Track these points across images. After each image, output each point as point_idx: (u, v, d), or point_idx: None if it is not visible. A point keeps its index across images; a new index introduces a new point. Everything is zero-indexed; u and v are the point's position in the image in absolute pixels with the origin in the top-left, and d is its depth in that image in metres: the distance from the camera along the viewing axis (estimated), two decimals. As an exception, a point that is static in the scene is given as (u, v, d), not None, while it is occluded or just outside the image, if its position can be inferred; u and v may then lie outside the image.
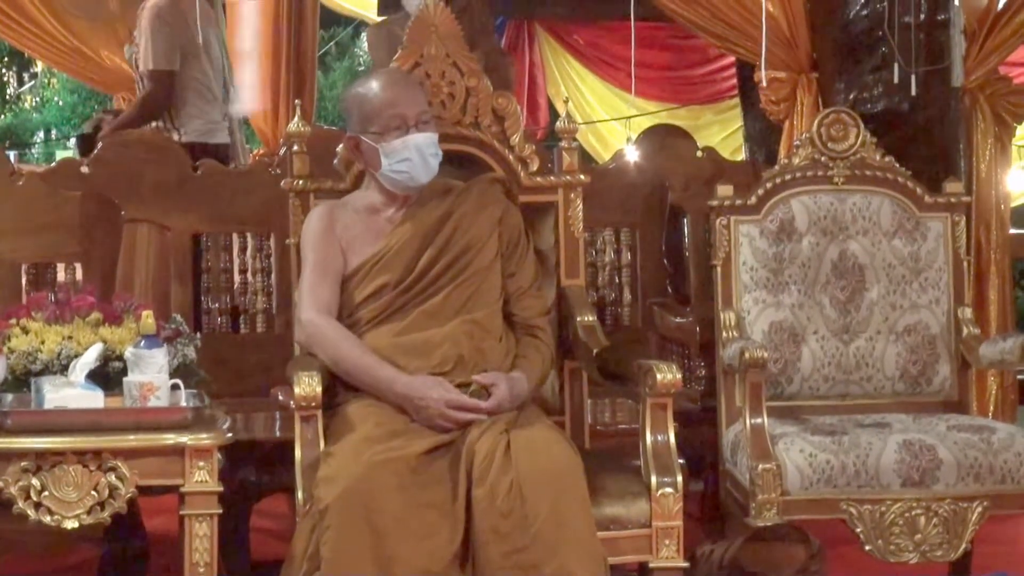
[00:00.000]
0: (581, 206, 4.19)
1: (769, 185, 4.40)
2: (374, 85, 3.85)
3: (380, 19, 7.98)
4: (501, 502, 3.34)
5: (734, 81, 10.06)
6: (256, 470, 4.40)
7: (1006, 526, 4.39)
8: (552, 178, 4.18)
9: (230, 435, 3.41)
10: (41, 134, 17.96)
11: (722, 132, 13.18)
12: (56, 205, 4.62)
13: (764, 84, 6.29)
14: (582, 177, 4.19)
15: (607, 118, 13.89)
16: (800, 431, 4.00)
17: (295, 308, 3.93)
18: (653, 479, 3.57)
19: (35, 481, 3.30)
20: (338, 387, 3.70)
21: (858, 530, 3.91)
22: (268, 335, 5.12)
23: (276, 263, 5.12)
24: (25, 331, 3.64)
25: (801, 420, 4.18)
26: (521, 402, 3.67)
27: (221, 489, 3.39)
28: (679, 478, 3.58)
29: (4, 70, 17.37)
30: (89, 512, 3.33)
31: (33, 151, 17.31)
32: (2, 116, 17.63)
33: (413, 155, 3.78)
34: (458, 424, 3.54)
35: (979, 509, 3.92)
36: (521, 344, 3.83)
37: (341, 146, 4.05)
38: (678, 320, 5.04)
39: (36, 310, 3.70)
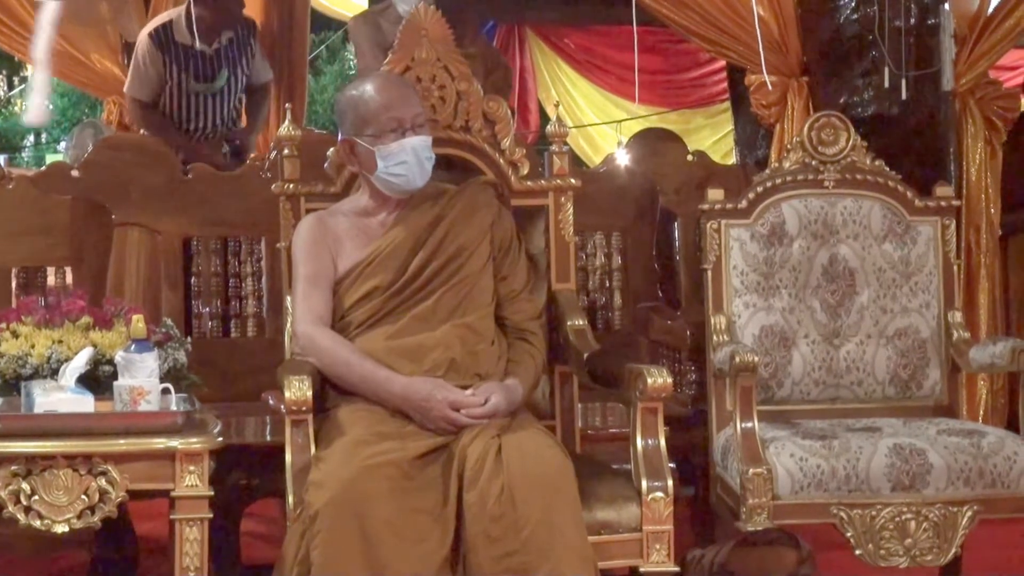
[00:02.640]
0: (572, 210, 4.19)
1: (760, 189, 4.40)
2: (369, 88, 3.85)
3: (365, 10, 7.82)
4: (492, 506, 3.34)
5: (725, 85, 10.06)
6: (247, 474, 4.41)
7: (996, 530, 4.38)
8: (543, 182, 4.19)
9: (220, 439, 3.41)
10: (31, 138, 17.93)
11: (713, 136, 13.19)
12: (46, 209, 4.62)
13: (769, 87, 6.29)
14: (573, 181, 4.19)
15: (598, 122, 13.90)
16: (791, 435, 4.00)
17: (286, 316, 3.93)
18: (644, 483, 3.57)
19: (25, 485, 3.30)
20: (329, 391, 3.70)
21: (848, 534, 3.91)
22: (259, 339, 5.11)
23: (267, 267, 5.11)
24: (15, 335, 3.63)
25: (792, 424, 4.18)
26: (515, 408, 3.67)
27: (211, 493, 3.39)
28: (670, 482, 3.57)
29: (-6, 74, 17.34)
30: (79, 516, 3.33)
31: (23, 155, 17.28)
32: (-8, 120, 17.61)
33: (410, 158, 3.78)
34: (460, 426, 3.54)
35: (969, 513, 3.92)
36: (513, 349, 3.82)
37: (332, 150, 4.05)
38: (669, 324, 5.04)
39: (26, 314, 3.70)
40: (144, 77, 6.64)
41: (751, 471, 3.87)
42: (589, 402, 4.62)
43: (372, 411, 3.59)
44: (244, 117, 7.04)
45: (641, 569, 3.58)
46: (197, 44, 6.53)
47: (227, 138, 6.73)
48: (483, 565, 3.32)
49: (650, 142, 6.39)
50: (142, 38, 6.67)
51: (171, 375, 3.63)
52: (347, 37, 14.47)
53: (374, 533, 3.29)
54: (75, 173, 5.35)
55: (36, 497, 3.30)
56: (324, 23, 13.67)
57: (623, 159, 6.59)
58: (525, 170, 4.17)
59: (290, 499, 3.47)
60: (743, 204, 4.38)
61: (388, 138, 3.78)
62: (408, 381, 3.61)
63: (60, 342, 3.60)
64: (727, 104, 9.52)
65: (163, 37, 6.58)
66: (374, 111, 3.80)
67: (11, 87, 17.45)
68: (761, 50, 6.02)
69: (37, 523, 3.32)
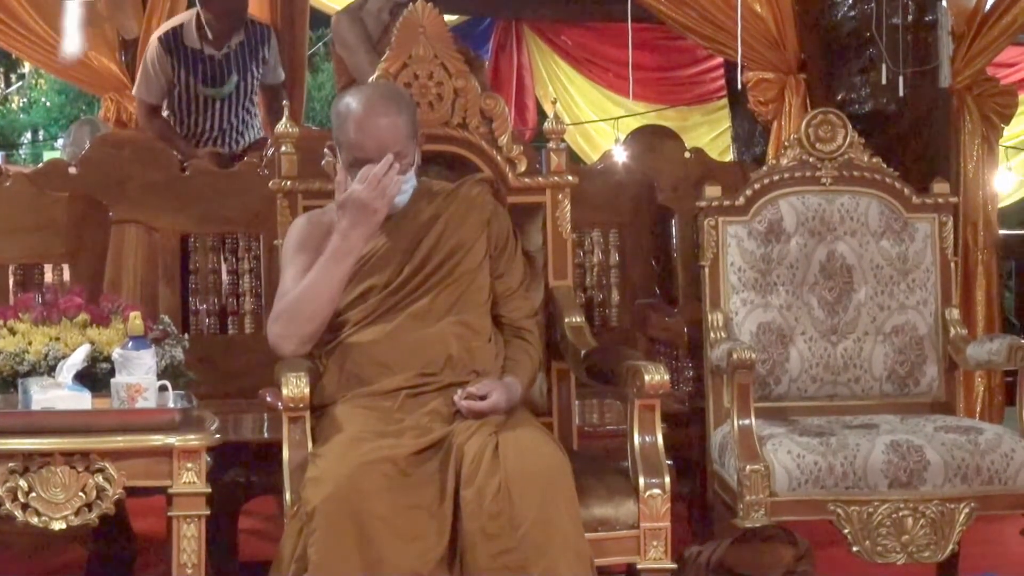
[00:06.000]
0: (569, 207, 4.19)
1: (757, 186, 4.40)
2: (355, 109, 3.72)
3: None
4: (489, 503, 3.33)
5: (722, 82, 10.08)
6: (244, 471, 4.40)
7: (993, 527, 4.39)
8: (540, 179, 4.18)
9: (218, 436, 3.41)
10: (29, 135, 17.94)
11: (710, 133, 13.18)
12: (44, 206, 4.62)
13: (741, 84, 6.30)
14: (570, 178, 4.19)
15: (595, 119, 13.89)
16: (788, 432, 4.00)
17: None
18: (641, 480, 3.57)
19: (22, 482, 3.30)
20: (326, 388, 3.69)
21: (846, 531, 3.91)
22: (256, 336, 5.09)
23: (264, 264, 5.11)
24: (12, 332, 3.63)
25: (789, 421, 4.18)
26: (513, 406, 3.67)
27: (209, 490, 3.39)
28: (667, 479, 3.57)
29: (-8, 71, 17.35)
30: (77, 513, 3.33)
31: (21, 152, 17.29)
32: (-10, 117, 17.62)
33: None
34: (386, 198, 3.65)
35: (966, 510, 3.93)
36: (510, 347, 3.82)
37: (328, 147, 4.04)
38: (666, 321, 5.05)
39: (23, 311, 3.70)
40: (152, 81, 6.65)
41: (748, 468, 3.88)
42: (586, 399, 4.62)
43: (369, 408, 3.58)
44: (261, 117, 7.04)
45: (638, 566, 3.58)
46: (205, 50, 6.57)
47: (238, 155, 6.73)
48: (480, 562, 3.31)
49: (647, 139, 6.39)
50: (152, 42, 6.70)
51: (168, 372, 3.62)
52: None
53: (371, 530, 3.29)
54: (72, 170, 5.35)
55: (33, 494, 3.30)
56: (321, 20, 13.68)
57: (620, 156, 6.59)
58: (522, 167, 4.17)
59: (287, 496, 3.47)
60: (740, 201, 4.38)
61: (355, 172, 3.72)
62: (337, 227, 3.70)
63: (57, 339, 3.60)
64: (724, 101, 9.54)
65: (172, 41, 6.60)
66: (347, 144, 3.74)
67: (8, 84, 17.45)
68: (739, 40, 6.02)
69: (34, 520, 3.31)
